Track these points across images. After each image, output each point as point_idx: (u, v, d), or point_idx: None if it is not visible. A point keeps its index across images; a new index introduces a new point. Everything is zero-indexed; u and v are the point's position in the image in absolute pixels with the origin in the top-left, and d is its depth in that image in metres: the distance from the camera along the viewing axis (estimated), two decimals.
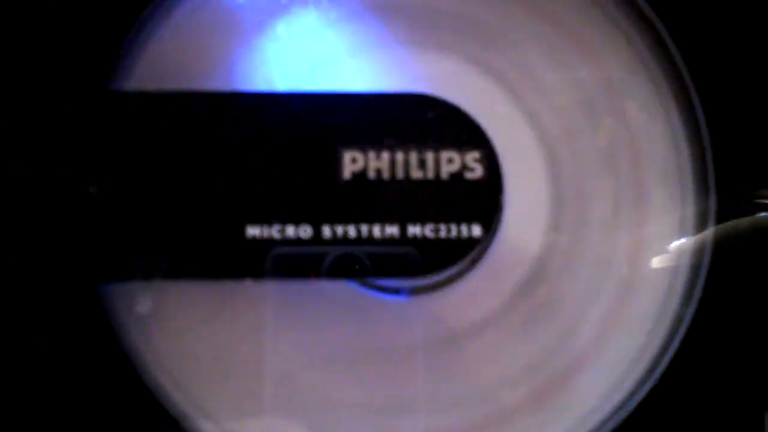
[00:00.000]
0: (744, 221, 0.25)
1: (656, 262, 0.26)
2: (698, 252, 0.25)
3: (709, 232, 0.25)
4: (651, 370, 0.25)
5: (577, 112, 0.26)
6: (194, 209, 0.24)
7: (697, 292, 0.25)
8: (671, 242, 0.26)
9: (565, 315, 0.26)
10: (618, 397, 0.26)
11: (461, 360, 0.26)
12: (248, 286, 0.24)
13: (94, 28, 0.24)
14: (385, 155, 0.24)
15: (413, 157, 0.24)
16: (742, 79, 0.25)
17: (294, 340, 0.25)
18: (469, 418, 0.25)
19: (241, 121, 0.24)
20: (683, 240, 0.26)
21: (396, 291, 0.26)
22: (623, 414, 0.25)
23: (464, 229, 0.24)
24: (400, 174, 0.24)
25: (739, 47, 0.25)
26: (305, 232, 0.24)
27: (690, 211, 0.26)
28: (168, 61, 0.25)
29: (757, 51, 0.25)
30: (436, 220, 0.24)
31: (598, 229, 0.26)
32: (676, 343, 0.25)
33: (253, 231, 0.24)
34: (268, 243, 0.24)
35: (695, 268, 0.25)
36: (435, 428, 0.25)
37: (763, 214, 0.25)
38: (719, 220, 0.25)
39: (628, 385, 0.26)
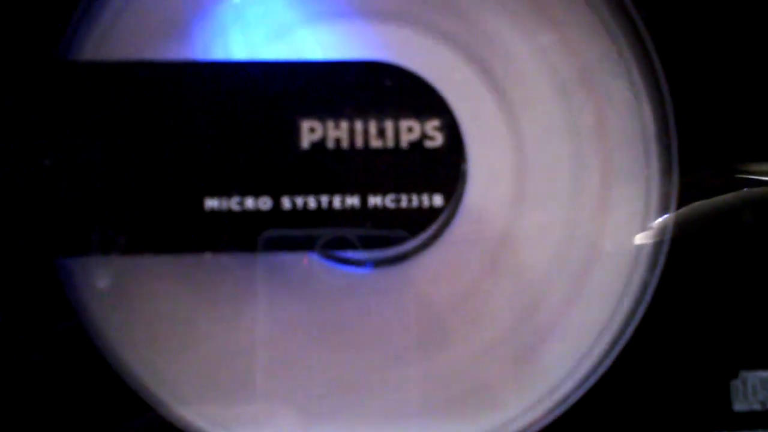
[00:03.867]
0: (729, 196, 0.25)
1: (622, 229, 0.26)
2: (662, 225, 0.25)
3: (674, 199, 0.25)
4: (617, 340, 0.25)
5: (541, 80, 0.26)
6: (152, 182, 0.23)
7: (662, 260, 0.25)
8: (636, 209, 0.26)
9: (532, 285, 0.26)
10: (586, 366, 0.25)
11: (431, 334, 0.26)
12: (208, 259, 0.24)
13: None
14: (344, 124, 0.23)
15: (372, 126, 0.24)
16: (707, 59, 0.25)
17: (256, 314, 0.25)
18: (444, 392, 0.25)
19: (198, 91, 0.24)
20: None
21: (361, 263, 0.26)
22: (590, 383, 0.25)
23: (425, 198, 0.24)
24: (359, 143, 0.23)
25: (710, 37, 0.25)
26: (265, 203, 0.23)
27: (655, 180, 0.26)
28: (123, 31, 0.25)
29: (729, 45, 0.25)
30: (397, 190, 0.23)
31: (563, 197, 0.26)
32: (641, 312, 0.25)
33: (211, 203, 0.23)
34: (227, 215, 0.23)
35: (659, 238, 0.25)
36: (406, 405, 0.25)
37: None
38: (683, 190, 0.25)
39: (595, 355, 0.25)
